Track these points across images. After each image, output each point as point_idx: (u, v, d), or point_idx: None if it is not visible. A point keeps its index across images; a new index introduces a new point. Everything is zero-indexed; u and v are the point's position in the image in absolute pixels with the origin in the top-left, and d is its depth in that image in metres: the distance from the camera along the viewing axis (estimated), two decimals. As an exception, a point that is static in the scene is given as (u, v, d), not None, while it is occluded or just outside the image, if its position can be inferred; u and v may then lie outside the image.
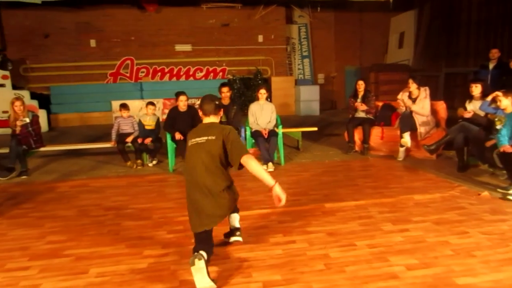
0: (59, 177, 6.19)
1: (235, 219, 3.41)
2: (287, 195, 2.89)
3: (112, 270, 3.10)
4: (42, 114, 11.05)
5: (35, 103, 11.19)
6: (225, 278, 2.92)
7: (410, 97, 6.61)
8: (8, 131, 6.46)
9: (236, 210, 3.37)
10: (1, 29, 11.79)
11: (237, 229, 3.41)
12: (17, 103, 6.18)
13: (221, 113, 3.31)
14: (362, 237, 3.58)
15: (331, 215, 4.16)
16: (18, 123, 6.20)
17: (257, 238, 3.62)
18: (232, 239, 3.40)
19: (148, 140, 6.55)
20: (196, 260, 2.72)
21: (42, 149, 6.75)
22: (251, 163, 2.89)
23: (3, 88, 10.96)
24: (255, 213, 4.25)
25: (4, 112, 10.50)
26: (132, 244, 3.57)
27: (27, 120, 6.28)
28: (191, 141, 3.09)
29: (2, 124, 10.68)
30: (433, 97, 7.11)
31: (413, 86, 6.51)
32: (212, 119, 3.19)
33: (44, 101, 12.14)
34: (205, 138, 3.04)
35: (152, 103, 6.87)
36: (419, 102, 6.49)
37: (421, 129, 6.49)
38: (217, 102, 3.20)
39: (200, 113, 3.22)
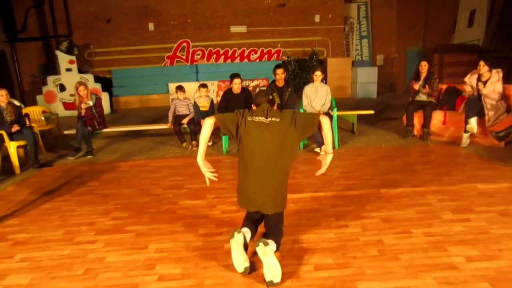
0: (121, 157, 6.50)
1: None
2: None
3: (170, 246, 3.24)
4: (105, 97, 11.66)
5: (98, 86, 11.80)
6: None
7: (480, 79, 6.21)
8: (75, 113, 6.85)
9: (276, 245, 2.90)
10: (67, 15, 12.43)
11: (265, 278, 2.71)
12: (81, 88, 6.52)
13: (275, 107, 3.19)
14: (419, 225, 3.46)
15: (387, 201, 4.05)
16: (83, 105, 6.56)
17: (309, 221, 3.61)
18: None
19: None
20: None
21: (105, 130, 7.11)
22: (327, 125, 2.89)
23: (70, 72, 11.64)
24: (308, 196, 4.23)
25: (71, 95, 11.17)
26: (188, 223, 3.69)
27: (91, 103, 6.62)
28: (253, 118, 2.95)
29: (69, 106, 11.42)
30: (506, 80, 6.61)
31: (484, 68, 6.10)
32: None
33: (107, 84, 12.75)
34: (269, 119, 2.92)
35: (204, 85, 6.96)
36: (490, 86, 6.07)
37: (489, 115, 6.08)
38: (270, 97, 3.10)
39: (254, 108, 3.10)
